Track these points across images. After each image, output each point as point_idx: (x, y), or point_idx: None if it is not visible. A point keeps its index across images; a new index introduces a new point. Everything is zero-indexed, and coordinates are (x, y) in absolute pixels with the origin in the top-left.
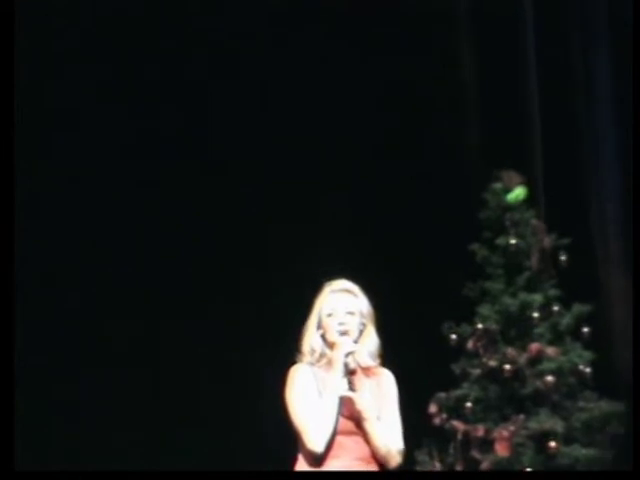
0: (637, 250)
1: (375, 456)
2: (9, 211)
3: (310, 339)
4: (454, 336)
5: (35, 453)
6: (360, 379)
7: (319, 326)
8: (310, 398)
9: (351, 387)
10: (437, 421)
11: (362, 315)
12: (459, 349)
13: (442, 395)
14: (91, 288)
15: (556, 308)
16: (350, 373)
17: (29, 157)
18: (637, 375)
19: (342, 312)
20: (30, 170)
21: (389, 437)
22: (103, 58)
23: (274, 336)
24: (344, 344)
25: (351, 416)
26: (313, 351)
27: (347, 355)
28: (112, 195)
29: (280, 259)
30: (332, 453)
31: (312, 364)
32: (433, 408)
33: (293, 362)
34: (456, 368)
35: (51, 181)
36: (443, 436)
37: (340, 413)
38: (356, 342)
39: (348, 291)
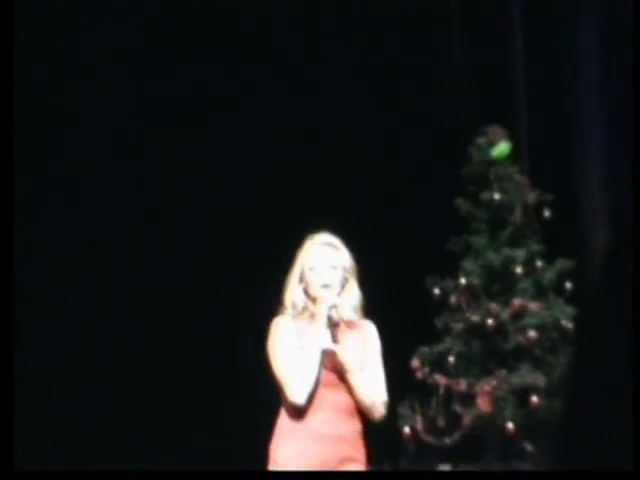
0: (637, 250)
1: (359, 408)
2: (9, 210)
3: (292, 293)
4: (437, 290)
5: (35, 453)
6: (343, 332)
7: (301, 280)
8: (292, 351)
9: (334, 340)
10: (419, 375)
11: (344, 269)
12: (442, 303)
13: (425, 349)
14: (90, 287)
15: (539, 263)
16: (333, 326)
17: (29, 156)
18: (637, 375)
19: (324, 266)
20: (30, 169)
21: (373, 389)
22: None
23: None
24: (327, 297)
25: (334, 368)
26: (295, 305)
27: (330, 308)
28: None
29: (262, 212)
30: (314, 405)
31: (295, 317)
32: (416, 362)
33: (276, 315)
34: (439, 322)
35: (50, 180)
36: (425, 390)
37: (323, 366)
38: (338, 296)
39: (330, 245)
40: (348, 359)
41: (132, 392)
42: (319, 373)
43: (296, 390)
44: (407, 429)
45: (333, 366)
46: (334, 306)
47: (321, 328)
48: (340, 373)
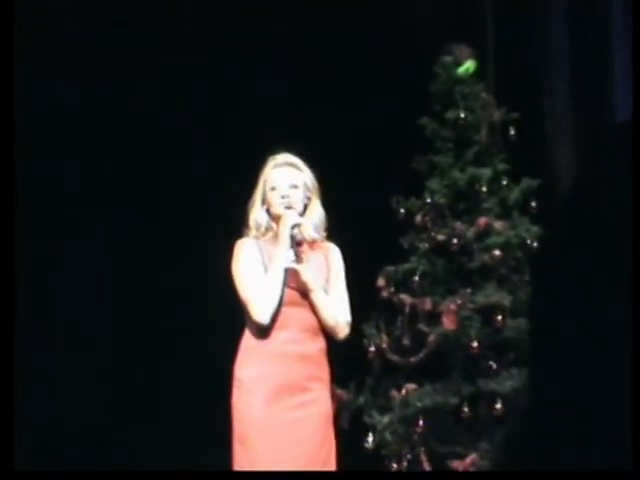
0: (637, 249)
1: (323, 327)
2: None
3: (255, 213)
4: (403, 210)
5: (35, 453)
6: (306, 252)
7: (264, 200)
8: (256, 271)
9: (297, 259)
10: (385, 294)
11: (306, 188)
12: (407, 223)
13: (390, 269)
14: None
15: (504, 182)
16: (296, 245)
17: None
18: (637, 375)
19: (286, 185)
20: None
21: (336, 309)
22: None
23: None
24: (289, 217)
25: (297, 288)
26: (259, 225)
27: (293, 227)
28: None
29: (222, 135)
30: (278, 324)
31: (258, 238)
32: (381, 282)
33: (239, 236)
34: (404, 242)
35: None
36: (391, 309)
37: (286, 285)
38: (301, 216)
39: (292, 165)
40: (311, 278)
41: (132, 392)
42: (283, 292)
43: (260, 309)
44: (372, 348)
45: (296, 285)
46: (297, 225)
47: (284, 247)
48: (303, 292)
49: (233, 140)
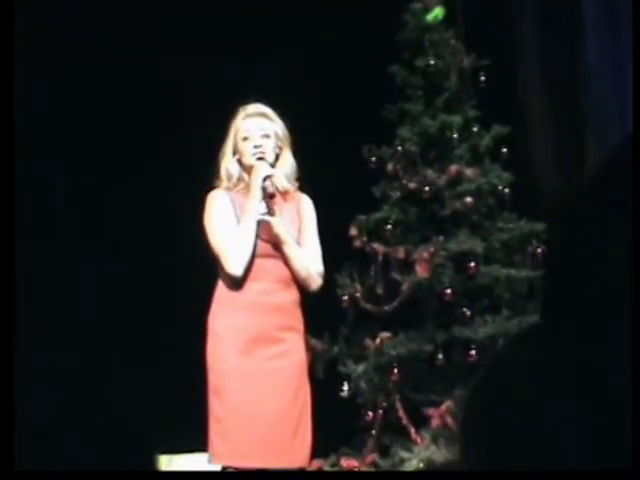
0: (637, 249)
1: (295, 278)
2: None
3: (227, 164)
4: (374, 158)
5: (35, 453)
6: (278, 203)
7: (235, 151)
8: (228, 222)
9: (269, 211)
10: (357, 244)
11: (278, 138)
12: (379, 171)
13: (362, 218)
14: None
15: (475, 129)
16: (268, 197)
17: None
18: (637, 375)
19: (257, 135)
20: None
21: (309, 260)
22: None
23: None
24: (261, 168)
25: (270, 240)
26: (230, 176)
27: (265, 179)
28: None
29: (193, 87)
30: (251, 275)
31: (230, 189)
32: (353, 231)
33: (212, 188)
34: (376, 191)
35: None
36: (364, 259)
37: (259, 237)
38: (273, 166)
39: (263, 114)
40: (283, 231)
41: (132, 392)
42: (255, 244)
43: (232, 261)
44: (346, 297)
45: (269, 237)
46: (269, 177)
47: (256, 199)
48: (276, 244)
49: (202, 92)
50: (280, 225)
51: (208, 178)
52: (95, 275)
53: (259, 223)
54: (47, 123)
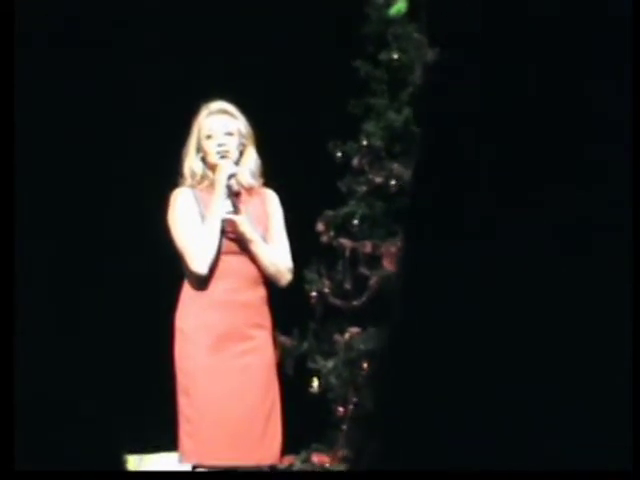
0: (637, 249)
1: (263, 275)
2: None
3: (190, 162)
4: (340, 154)
5: (35, 453)
6: (243, 200)
7: (199, 149)
8: (192, 220)
9: (235, 210)
10: (325, 239)
11: (241, 135)
12: (345, 166)
13: (329, 213)
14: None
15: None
16: (233, 195)
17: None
18: (637, 375)
19: (221, 133)
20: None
21: (276, 256)
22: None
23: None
24: (225, 166)
25: (235, 237)
26: (194, 174)
27: (229, 178)
28: None
29: (153, 86)
30: (217, 273)
31: (193, 187)
32: (320, 226)
33: (175, 186)
34: (342, 186)
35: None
36: (331, 254)
37: (224, 235)
38: (237, 163)
39: (226, 112)
40: (249, 228)
41: (133, 391)
42: (220, 242)
43: (197, 259)
44: (314, 293)
45: (235, 235)
46: (233, 175)
47: (221, 197)
48: (241, 242)
49: (164, 89)
50: (246, 223)
51: (172, 176)
52: (66, 274)
53: (224, 221)
54: (47, 122)
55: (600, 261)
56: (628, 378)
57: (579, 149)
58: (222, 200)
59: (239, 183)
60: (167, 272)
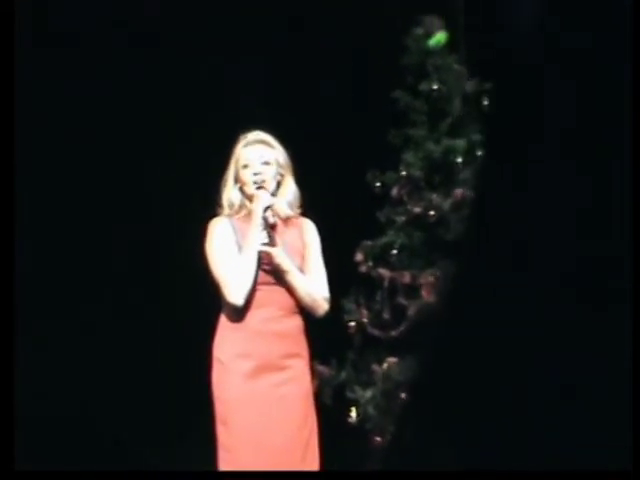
0: (637, 250)
1: (300, 305)
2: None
3: (229, 192)
4: (379, 184)
5: (35, 453)
6: (280, 230)
7: (236, 179)
8: (229, 251)
9: (270, 241)
10: (363, 269)
11: (279, 165)
12: (384, 197)
13: (368, 243)
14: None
15: (479, 153)
16: (269, 227)
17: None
18: (637, 375)
19: (257, 163)
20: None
21: (313, 287)
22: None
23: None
24: (262, 198)
25: (272, 269)
26: (232, 204)
27: (265, 209)
28: None
29: (196, 112)
30: (255, 304)
31: (231, 216)
32: (359, 256)
33: (214, 215)
34: (381, 216)
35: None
36: (370, 284)
37: (261, 265)
38: (274, 194)
39: (263, 142)
40: (285, 260)
41: (132, 391)
42: (257, 273)
43: (234, 290)
44: (353, 323)
45: (271, 266)
46: (269, 207)
47: (257, 229)
48: (278, 273)
49: (207, 121)
50: (281, 255)
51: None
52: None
53: (260, 252)
54: (46, 123)
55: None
56: (628, 378)
57: None
58: (258, 231)
59: (276, 214)
60: (207, 300)
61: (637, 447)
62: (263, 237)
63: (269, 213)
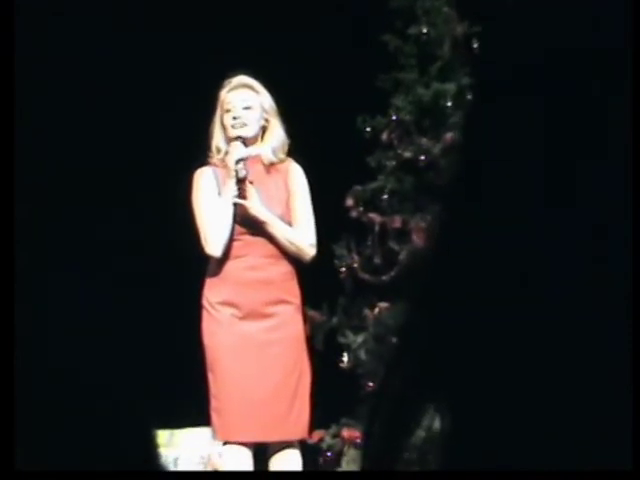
0: (637, 250)
1: (285, 253)
2: None
3: (216, 138)
4: (368, 128)
5: (35, 453)
6: (262, 181)
7: (222, 124)
8: (209, 203)
9: (241, 194)
10: (354, 214)
11: (263, 110)
12: (374, 141)
13: (358, 188)
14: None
15: (469, 97)
16: (242, 180)
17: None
18: (637, 375)
19: (239, 107)
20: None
21: (295, 234)
22: None
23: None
24: (235, 150)
25: (249, 221)
26: (219, 150)
27: (238, 162)
28: None
29: (182, 60)
30: (237, 252)
31: (217, 165)
32: (350, 201)
33: (202, 164)
34: (371, 160)
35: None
36: (361, 229)
37: (239, 216)
38: (259, 139)
39: (247, 86)
40: (260, 210)
41: (133, 391)
42: (233, 225)
43: (211, 242)
44: (344, 268)
45: (248, 218)
46: (243, 159)
47: (232, 181)
48: (256, 224)
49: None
50: (256, 206)
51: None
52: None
53: (236, 204)
54: (47, 122)
55: (601, 262)
56: (628, 378)
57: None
58: (232, 184)
59: (246, 170)
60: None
61: (637, 447)
62: (234, 190)
63: (240, 166)
